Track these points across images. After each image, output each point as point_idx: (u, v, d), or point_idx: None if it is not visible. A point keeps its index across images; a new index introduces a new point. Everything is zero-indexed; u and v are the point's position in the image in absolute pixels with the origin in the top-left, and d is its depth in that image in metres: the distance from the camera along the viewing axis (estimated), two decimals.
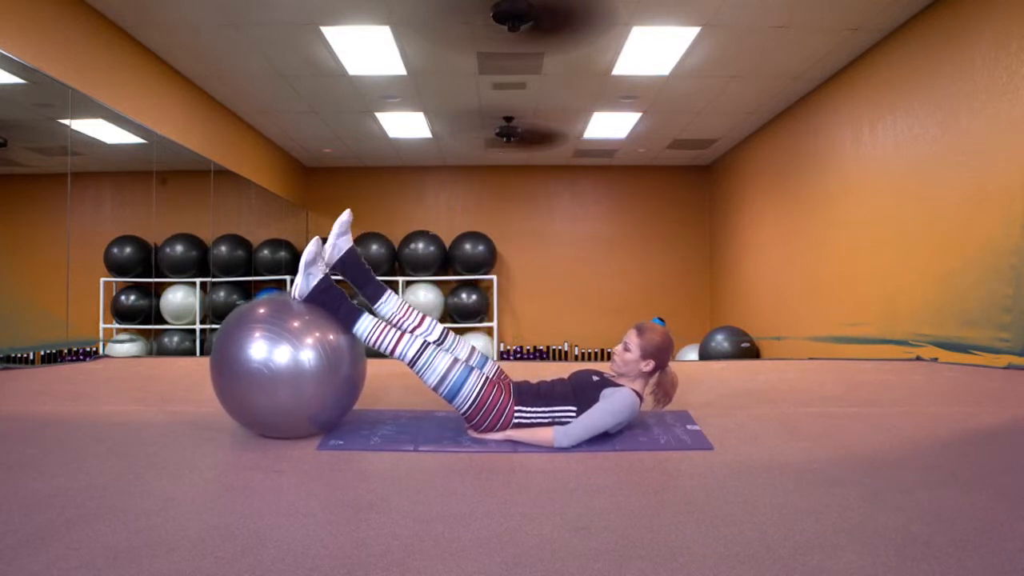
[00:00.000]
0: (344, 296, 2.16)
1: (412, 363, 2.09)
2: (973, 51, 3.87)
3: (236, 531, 1.41)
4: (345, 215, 2.29)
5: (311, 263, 2.14)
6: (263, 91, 6.01)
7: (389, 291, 2.28)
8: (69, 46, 4.19)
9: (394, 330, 2.12)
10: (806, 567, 1.25)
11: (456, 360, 2.10)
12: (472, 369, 2.10)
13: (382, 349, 2.11)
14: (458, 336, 2.29)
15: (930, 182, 4.29)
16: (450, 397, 2.07)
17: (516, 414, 2.06)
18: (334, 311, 2.13)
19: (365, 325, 2.12)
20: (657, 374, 2.17)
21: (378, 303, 2.25)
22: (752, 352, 6.94)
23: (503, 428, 2.07)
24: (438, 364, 2.07)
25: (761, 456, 1.96)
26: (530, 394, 2.10)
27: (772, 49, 5.03)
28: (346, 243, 2.27)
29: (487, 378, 2.11)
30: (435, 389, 2.08)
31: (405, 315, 2.24)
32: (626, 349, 2.13)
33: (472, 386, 2.06)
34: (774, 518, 1.48)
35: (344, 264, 2.26)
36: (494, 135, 7.34)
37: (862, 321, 5.06)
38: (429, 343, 2.12)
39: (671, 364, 2.21)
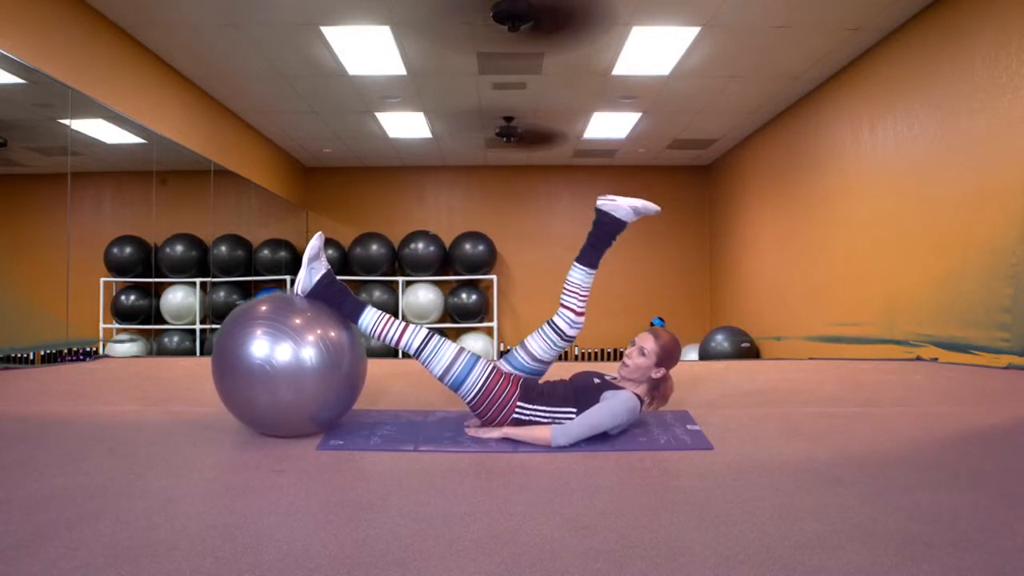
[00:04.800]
0: (347, 290, 2.17)
1: (417, 353, 2.09)
2: (973, 51, 3.87)
3: (236, 531, 1.41)
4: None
5: (314, 258, 2.14)
6: (263, 91, 6.01)
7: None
8: (69, 46, 4.19)
9: (399, 321, 2.13)
10: (806, 567, 1.25)
11: (462, 349, 2.10)
12: (478, 358, 2.10)
13: (387, 341, 2.11)
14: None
15: (930, 182, 4.29)
16: (455, 386, 2.07)
17: (516, 409, 2.06)
18: (338, 306, 2.13)
19: (369, 318, 2.12)
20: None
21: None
22: (752, 352, 6.94)
23: (503, 422, 2.08)
24: (443, 353, 2.07)
25: (761, 456, 1.95)
26: (535, 390, 2.10)
27: (772, 49, 5.03)
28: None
29: (494, 368, 2.11)
30: (440, 378, 2.09)
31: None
32: (642, 354, 2.12)
33: (478, 376, 2.06)
34: (774, 518, 1.48)
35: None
36: (494, 135, 7.34)
37: (862, 321, 5.06)
38: (434, 334, 2.12)
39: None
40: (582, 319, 2.19)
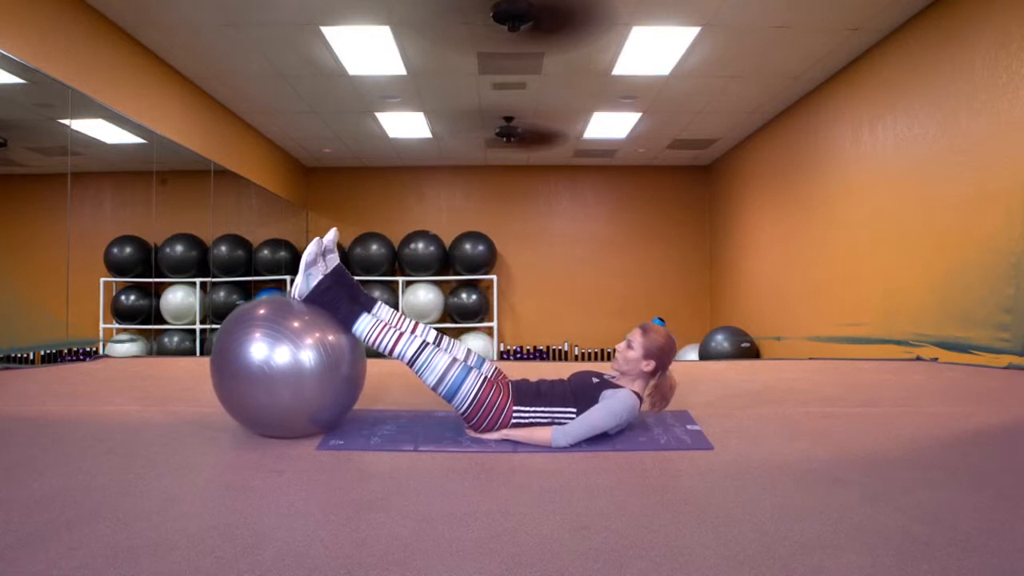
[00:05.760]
0: (343, 297, 2.16)
1: (411, 363, 2.09)
2: (973, 51, 3.87)
3: (236, 531, 1.41)
4: (331, 234, 2.26)
5: (311, 263, 2.15)
6: (263, 91, 6.01)
7: (380, 303, 2.29)
8: (69, 46, 4.19)
9: (393, 330, 2.13)
10: (806, 567, 1.25)
11: (455, 360, 2.10)
12: (471, 369, 2.11)
13: (381, 349, 2.11)
14: (453, 340, 2.32)
15: (930, 182, 4.29)
16: (449, 396, 2.07)
17: (515, 414, 2.06)
18: (334, 311, 2.13)
19: (364, 325, 2.12)
20: (656, 376, 2.17)
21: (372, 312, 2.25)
22: (752, 352, 6.94)
23: (501, 428, 2.08)
24: (437, 364, 2.07)
25: (761, 456, 1.95)
26: (529, 393, 2.10)
27: (772, 49, 5.03)
28: (332, 261, 2.23)
29: (486, 378, 2.12)
30: (434, 388, 2.09)
31: (397, 323, 2.25)
32: (629, 347, 2.13)
33: (471, 386, 2.06)
34: (774, 518, 1.48)
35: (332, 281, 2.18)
36: (494, 135, 7.34)
37: (862, 321, 5.06)
38: (428, 343, 2.12)
39: (671, 366, 2.21)
40: (420, 326, 2.27)
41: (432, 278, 8.61)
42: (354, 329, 2.13)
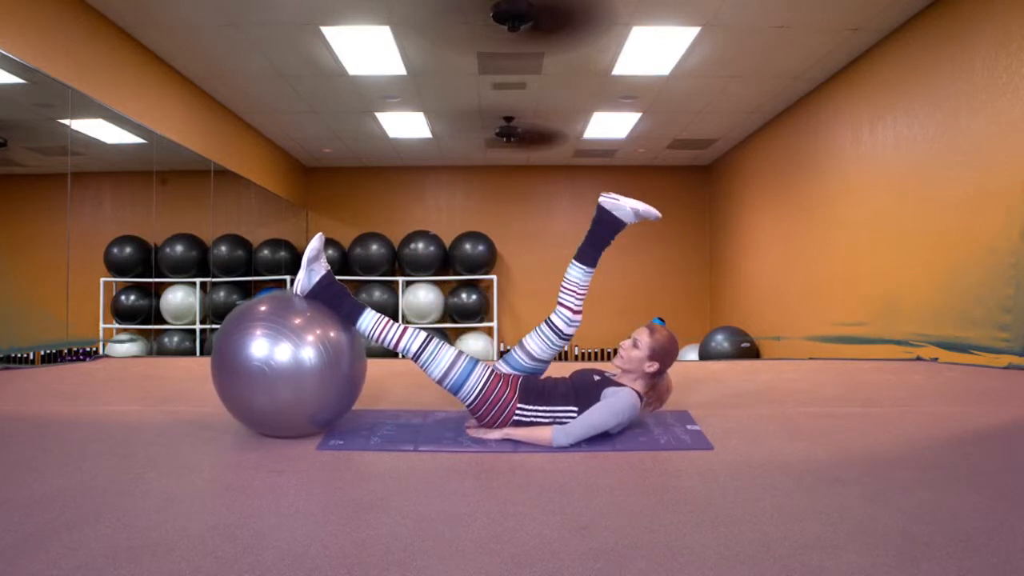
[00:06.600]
0: (346, 292, 2.16)
1: (416, 356, 2.09)
2: (973, 51, 3.87)
3: (236, 531, 1.41)
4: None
5: (314, 259, 2.14)
6: (263, 91, 6.01)
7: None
8: (69, 46, 4.19)
9: (398, 324, 2.13)
10: (806, 567, 1.25)
11: (461, 353, 2.10)
12: (477, 362, 2.11)
13: (386, 344, 2.11)
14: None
15: (930, 182, 4.29)
16: (455, 389, 2.07)
17: (517, 411, 2.06)
18: (336, 307, 2.12)
19: (368, 320, 2.12)
20: (655, 378, 2.17)
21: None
22: (752, 352, 6.94)
23: (503, 424, 2.08)
24: (443, 357, 2.07)
25: (761, 456, 1.95)
26: (535, 390, 2.10)
27: (772, 49, 5.02)
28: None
29: (493, 371, 2.12)
30: (439, 382, 2.09)
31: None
32: (635, 346, 2.13)
33: (477, 379, 2.06)
34: (774, 518, 1.48)
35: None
36: (494, 135, 7.34)
37: (862, 321, 5.06)
38: (433, 336, 2.12)
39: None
40: (579, 317, 2.20)
41: (432, 278, 8.61)
42: (358, 325, 2.12)
